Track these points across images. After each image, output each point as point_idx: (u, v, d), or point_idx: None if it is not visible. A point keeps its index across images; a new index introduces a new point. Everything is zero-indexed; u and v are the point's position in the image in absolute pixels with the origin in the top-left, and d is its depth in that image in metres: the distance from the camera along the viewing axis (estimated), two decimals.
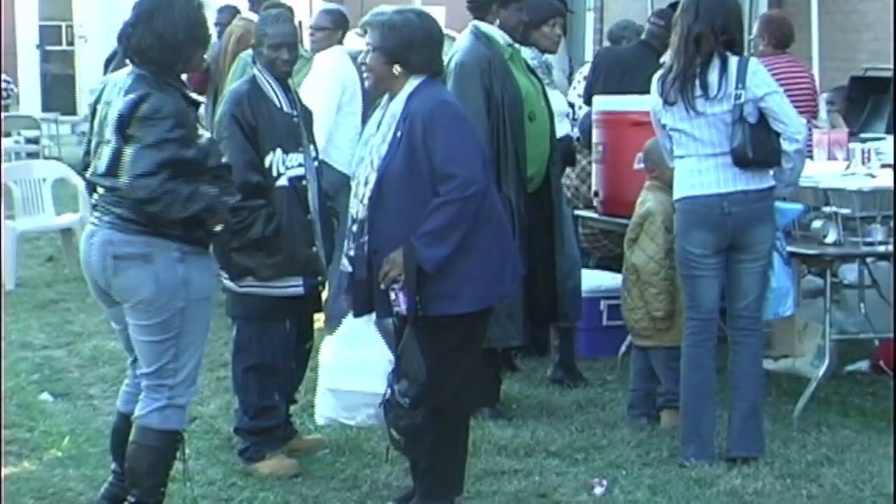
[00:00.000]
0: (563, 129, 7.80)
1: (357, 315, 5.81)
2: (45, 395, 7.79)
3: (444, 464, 5.80)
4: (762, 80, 6.52)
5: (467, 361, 5.74)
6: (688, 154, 6.57)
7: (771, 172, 6.59)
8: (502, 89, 7.00)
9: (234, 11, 11.11)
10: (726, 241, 6.53)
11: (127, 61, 5.55)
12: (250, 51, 8.79)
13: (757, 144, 6.44)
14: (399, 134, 5.58)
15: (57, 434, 7.05)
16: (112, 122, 5.36)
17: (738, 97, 6.44)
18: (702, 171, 6.53)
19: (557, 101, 7.83)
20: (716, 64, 6.48)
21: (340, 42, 9.25)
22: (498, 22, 7.19)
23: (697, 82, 6.48)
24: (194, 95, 5.67)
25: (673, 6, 7.98)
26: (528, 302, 7.04)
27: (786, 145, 6.48)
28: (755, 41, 9.32)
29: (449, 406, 5.70)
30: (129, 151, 5.28)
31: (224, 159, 5.72)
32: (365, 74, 5.87)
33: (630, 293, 7.25)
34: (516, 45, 7.34)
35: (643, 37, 10.06)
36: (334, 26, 9.17)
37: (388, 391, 5.64)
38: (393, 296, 5.54)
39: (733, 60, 6.50)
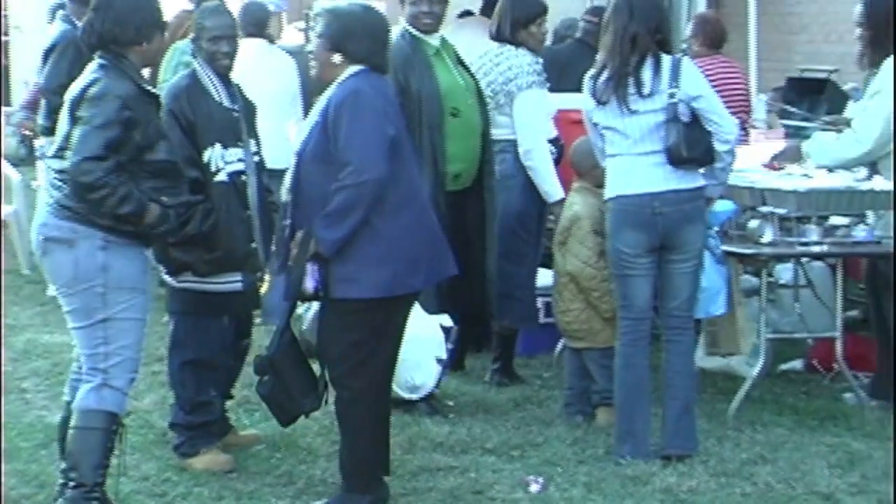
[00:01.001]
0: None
1: (286, 298, 5.91)
2: None
3: (363, 456, 5.86)
4: (695, 81, 6.54)
5: (382, 350, 5.79)
6: (619, 153, 6.58)
7: (701, 171, 6.61)
8: (420, 85, 6.99)
9: None
10: (658, 241, 6.55)
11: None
12: (184, 41, 8.78)
13: (691, 143, 6.47)
14: (319, 119, 5.70)
15: None
16: (65, 106, 5.57)
17: (671, 96, 6.47)
18: (633, 170, 6.54)
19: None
20: (649, 63, 6.50)
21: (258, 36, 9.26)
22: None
23: (632, 80, 6.49)
24: (152, 89, 5.76)
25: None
26: (446, 295, 7.04)
27: (718, 145, 6.51)
28: (689, 41, 9.36)
29: (365, 395, 5.76)
30: (77, 132, 5.46)
31: (171, 156, 5.80)
32: (311, 61, 5.96)
33: (562, 297, 7.24)
34: (447, 42, 7.37)
35: (578, 35, 10.09)
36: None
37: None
38: (297, 274, 5.66)
39: (666, 60, 6.52)
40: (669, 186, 6.50)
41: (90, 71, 5.62)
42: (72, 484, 5.61)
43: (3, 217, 11.45)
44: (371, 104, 5.70)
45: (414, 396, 7.05)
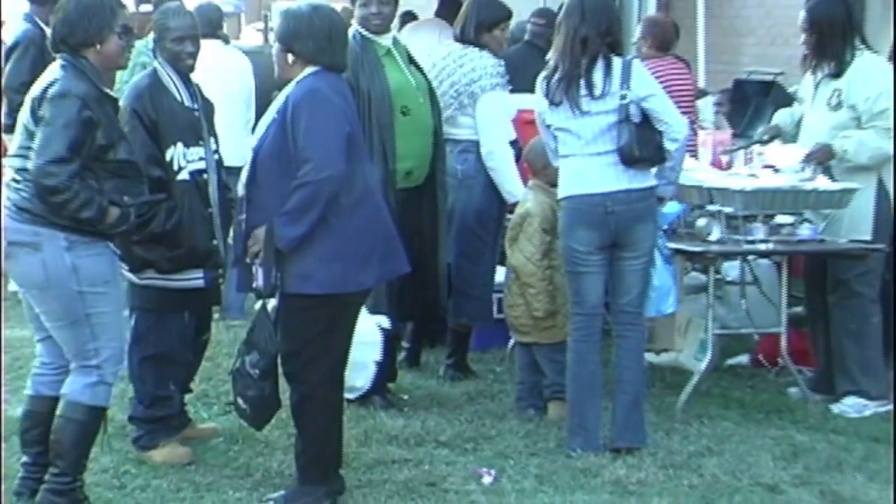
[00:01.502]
0: None
1: (239, 290, 6.00)
2: None
3: (318, 448, 5.87)
4: (645, 82, 6.58)
5: (336, 346, 5.81)
6: (572, 153, 6.61)
7: (653, 172, 6.65)
8: (369, 84, 7.02)
9: None
10: (609, 239, 6.58)
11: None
12: (141, 42, 8.75)
13: (643, 143, 6.50)
14: (276, 117, 5.73)
15: None
16: (26, 106, 5.57)
17: (623, 97, 6.50)
18: (586, 170, 6.57)
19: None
20: (600, 65, 6.53)
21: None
22: None
23: (583, 82, 6.52)
24: (110, 92, 5.75)
25: (559, 9, 8.03)
26: (397, 293, 7.06)
27: (668, 143, 6.55)
28: (639, 43, 9.41)
29: (318, 389, 5.78)
30: (39, 133, 5.45)
31: (132, 156, 5.79)
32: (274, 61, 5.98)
33: (510, 291, 7.28)
34: (399, 42, 7.40)
35: (527, 37, 10.11)
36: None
37: (239, 362, 5.78)
38: (254, 271, 5.68)
39: (617, 62, 6.56)
40: (621, 186, 6.53)
41: (51, 71, 5.63)
42: (55, 472, 5.65)
43: None
44: (329, 103, 5.72)
45: (350, 396, 6.99)
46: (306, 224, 5.61)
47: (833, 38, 7.40)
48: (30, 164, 5.43)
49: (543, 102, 6.65)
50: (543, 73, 6.69)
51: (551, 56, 6.69)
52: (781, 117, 7.97)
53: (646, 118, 6.53)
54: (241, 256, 5.79)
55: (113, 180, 5.60)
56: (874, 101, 7.30)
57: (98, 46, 5.62)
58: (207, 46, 9.03)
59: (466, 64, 7.66)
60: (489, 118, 7.60)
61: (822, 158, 7.54)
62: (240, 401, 5.86)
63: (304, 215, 5.61)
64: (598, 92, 6.50)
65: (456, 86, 7.61)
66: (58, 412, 5.70)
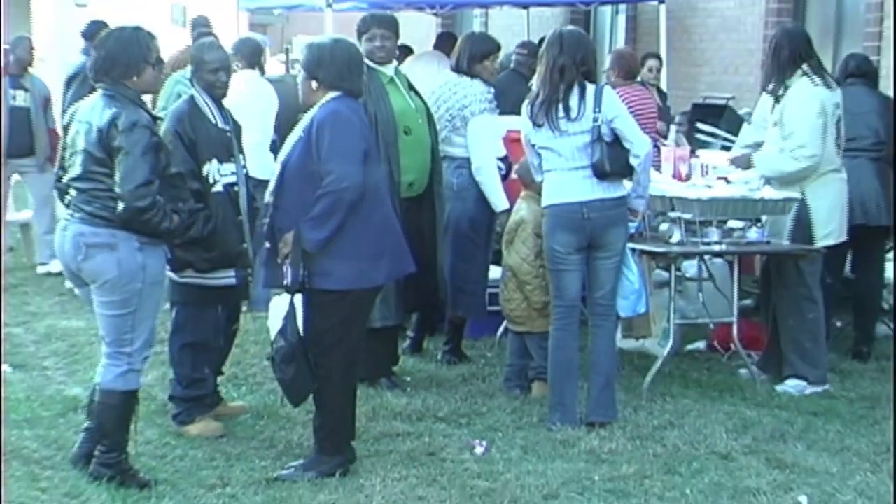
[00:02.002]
0: None
1: (265, 286, 6.00)
2: (5, 367, 7.64)
3: (334, 423, 5.86)
4: (613, 105, 6.56)
5: (351, 336, 5.80)
6: (554, 168, 6.60)
7: (628, 183, 6.63)
8: (376, 108, 7.00)
9: (102, 25, 10.88)
10: (586, 241, 6.57)
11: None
12: (179, 72, 8.76)
13: (613, 159, 6.49)
14: (303, 135, 5.72)
15: (14, 400, 6.92)
16: (89, 136, 5.54)
17: (595, 119, 6.48)
18: (566, 182, 6.56)
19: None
20: (576, 91, 6.52)
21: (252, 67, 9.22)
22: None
23: (561, 106, 6.51)
24: (155, 114, 5.78)
25: (541, 41, 8.02)
26: (403, 289, 7.04)
27: (632, 160, 6.53)
28: (608, 73, 9.41)
29: (336, 372, 5.76)
30: (122, 163, 5.46)
31: (178, 169, 5.90)
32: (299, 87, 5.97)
33: (507, 287, 7.25)
34: (400, 71, 7.40)
35: (512, 65, 10.12)
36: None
37: (273, 350, 5.77)
38: (284, 269, 5.68)
39: (591, 88, 6.54)
40: (596, 196, 6.52)
41: (99, 101, 5.59)
42: (103, 449, 5.68)
43: (18, 219, 11.37)
44: (349, 122, 5.71)
45: None
46: (329, 228, 5.60)
47: (780, 64, 7.39)
48: (118, 189, 5.44)
49: (528, 124, 6.63)
50: (527, 99, 6.67)
51: (534, 83, 6.67)
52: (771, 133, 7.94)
53: (616, 137, 6.51)
54: (268, 255, 5.78)
55: (169, 191, 5.66)
56: (786, 125, 7.29)
57: (135, 78, 5.61)
58: (246, 75, 9.10)
59: (459, 91, 7.64)
60: (478, 138, 7.58)
61: (742, 165, 7.59)
62: (278, 384, 5.88)
63: (328, 221, 5.60)
64: (573, 115, 6.49)
65: (450, 110, 7.60)
66: (97, 399, 5.72)
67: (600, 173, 6.48)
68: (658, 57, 12.20)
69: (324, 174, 5.61)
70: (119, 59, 5.59)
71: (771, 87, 7.43)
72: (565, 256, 6.58)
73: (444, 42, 11.83)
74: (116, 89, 5.59)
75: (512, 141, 7.62)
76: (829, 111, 7.32)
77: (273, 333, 5.77)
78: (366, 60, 7.09)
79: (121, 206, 5.46)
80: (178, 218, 5.65)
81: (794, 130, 7.24)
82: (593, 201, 6.51)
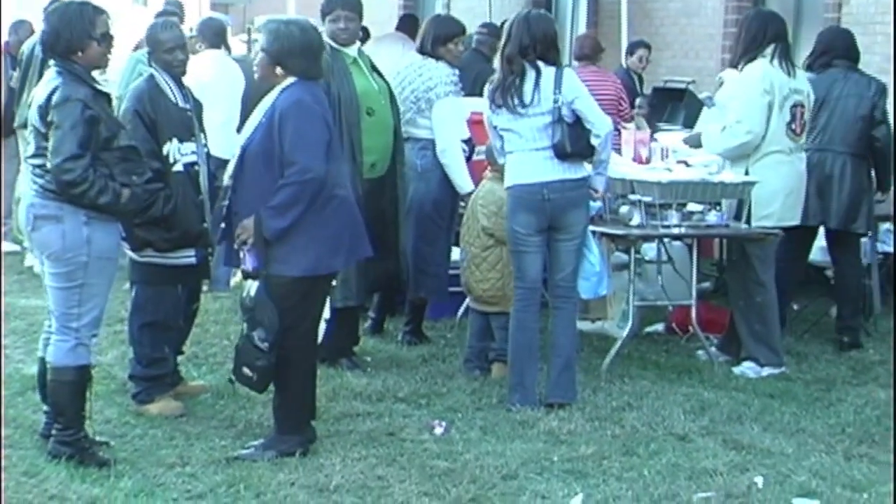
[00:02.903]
0: None
1: (226, 263, 6.05)
2: None
3: (293, 403, 5.86)
4: (573, 87, 6.57)
5: (307, 320, 5.80)
6: (516, 150, 6.61)
7: (589, 166, 6.64)
8: (339, 88, 6.99)
9: (28, 26, 10.90)
10: (546, 223, 6.57)
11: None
12: (139, 52, 8.72)
13: (573, 140, 6.50)
14: (263, 120, 5.70)
15: None
16: (36, 113, 5.56)
17: (556, 101, 6.49)
18: (527, 163, 6.57)
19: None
20: (530, 76, 6.52)
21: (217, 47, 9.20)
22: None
23: (515, 90, 6.51)
24: (103, 88, 5.70)
25: (503, 23, 8.00)
26: (364, 270, 7.03)
27: (593, 140, 6.55)
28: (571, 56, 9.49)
29: (294, 353, 5.76)
30: (52, 136, 5.45)
31: (132, 141, 5.82)
32: (254, 68, 5.92)
33: (479, 268, 7.18)
34: (364, 52, 7.37)
35: (473, 45, 10.12)
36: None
37: (244, 338, 5.73)
38: (242, 255, 5.69)
39: (549, 70, 6.53)
40: (556, 176, 6.53)
41: (49, 78, 5.59)
42: (59, 427, 5.66)
43: None
44: (312, 112, 5.69)
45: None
46: (290, 218, 5.61)
47: (742, 45, 7.45)
48: (50, 166, 5.43)
49: (490, 107, 6.64)
50: (489, 84, 6.67)
51: (496, 65, 6.68)
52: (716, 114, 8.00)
53: (578, 118, 6.52)
54: (223, 234, 5.81)
55: (120, 164, 5.60)
56: (729, 100, 7.35)
57: (80, 53, 5.57)
58: (212, 55, 9.05)
59: (424, 73, 7.62)
60: (443, 121, 7.57)
61: (693, 143, 7.67)
62: (245, 370, 5.76)
63: (289, 210, 5.60)
64: (527, 100, 6.50)
65: (415, 92, 7.58)
66: (49, 377, 5.69)
67: (561, 154, 6.49)
68: (647, 46, 12.25)
69: (287, 164, 5.60)
70: (62, 34, 5.56)
71: (737, 67, 7.49)
72: (526, 237, 6.59)
73: (407, 24, 11.81)
74: (64, 65, 5.56)
75: (475, 123, 7.63)
76: (780, 92, 7.33)
77: None
78: (329, 41, 7.12)
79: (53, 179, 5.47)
80: (128, 192, 5.57)
81: (734, 106, 7.30)
82: (553, 182, 6.52)
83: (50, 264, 5.58)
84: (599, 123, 6.55)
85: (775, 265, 7.53)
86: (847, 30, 8.54)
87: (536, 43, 6.54)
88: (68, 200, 5.48)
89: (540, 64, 6.53)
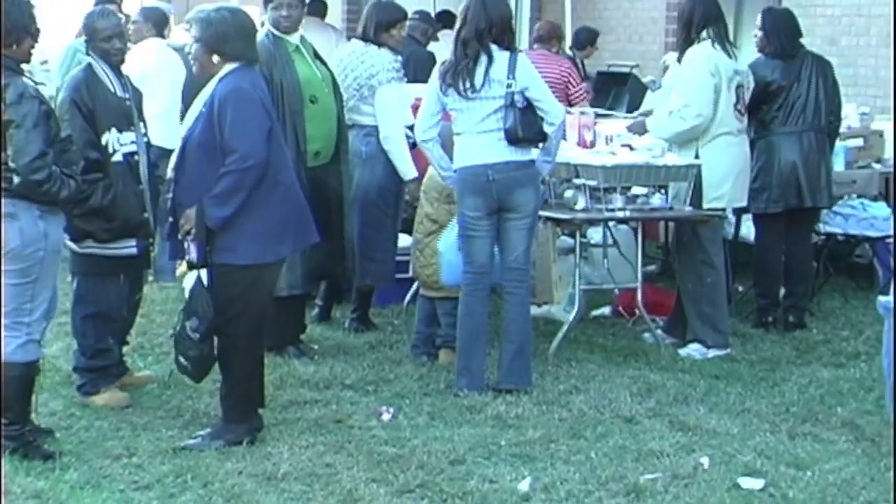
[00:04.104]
0: None
1: (172, 258, 5.99)
2: None
3: (240, 391, 5.85)
4: (527, 73, 6.58)
5: (253, 308, 5.78)
6: (464, 131, 6.62)
7: (538, 151, 6.65)
8: (282, 76, 6.96)
9: None
10: (495, 205, 6.58)
11: None
12: (77, 40, 8.65)
13: (525, 126, 6.52)
14: (204, 110, 5.67)
15: None
16: None
17: (509, 86, 6.50)
18: (474, 145, 6.58)
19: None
20: (482, 60, 6.52)
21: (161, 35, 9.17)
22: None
23: (466, 74, 6.52)
24: (35, 79, 5.68)
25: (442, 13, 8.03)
26: (310, 258, 7.02)
27: (546, 127, 6.57)
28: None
29: (241, 340, 5.75)
30: (15, 135, 5.36)
31: (65, 133, 5.78)
32: (192, 61, 5.89)
33: (423, 253, 7.17)
34: (306, 40, 7.31)
35: (406, 31, 10.13)
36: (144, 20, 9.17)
37: (179, 326, 5.72)
38: (186, 245, 5.66)
39: (502, 55, 6.54)
40: (502, 158, 6.54)
41: None
42: (5, 422, 5.59)
43: None
44: (251, 99, 5.67)
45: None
46: (233, 206, 5.59)
47: (681, 30, 7.50)
48: (18, 166, 5.35)
49: (441, 87, 6.61)
50: (443, 65, 6.67)
51: (451, 48, 6.67)
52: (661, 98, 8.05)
53: (530, 104, 6.54)
54: (171, 229, 5.75)
55: (62, 156, 5.56)
56: (676, 85, 7.39)
57: (14, 47, 5.50)
58: (153, 43, 9.00)
59: (367, 60, 7.59)
60: (386, 108, 7.55)
61: (638, 130, 7.72)
62: (181, 359, 5.78)
63: (231, 199, 5.58)
64: (478, 85, 6.50)
65: (358, 79, 7.55)
66: None
67: (513, 139, 6.51)
68: (595, 39, 12.30)
69: (227, 152, 5.58)
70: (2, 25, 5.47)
71: (679, 52, 7.53)
72: (475, 221, 6.59)
73: (316, 8, 11.56)
74: (4, 60, 5.46)
75: (414, 108, 7.61)
76: (725, 74, 7.39)
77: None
78: (271, 28, 7.10)
79: (16, 179, 5.37)
80: (74, 183, 5.56)
81: (682, 90, 7.34)
82: (498, 164, 6.53)
83: (8, 262, 5.48)
84: (553, 112, 6.58)
85: (775, 252, 7.85)
86: (789, 10, 8.59)
87: (492, 26, 6.55)
88: (22, 196, 5.40)
89: (493, 48, 6.53)
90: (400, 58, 7.73)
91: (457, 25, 6.61)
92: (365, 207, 7.59)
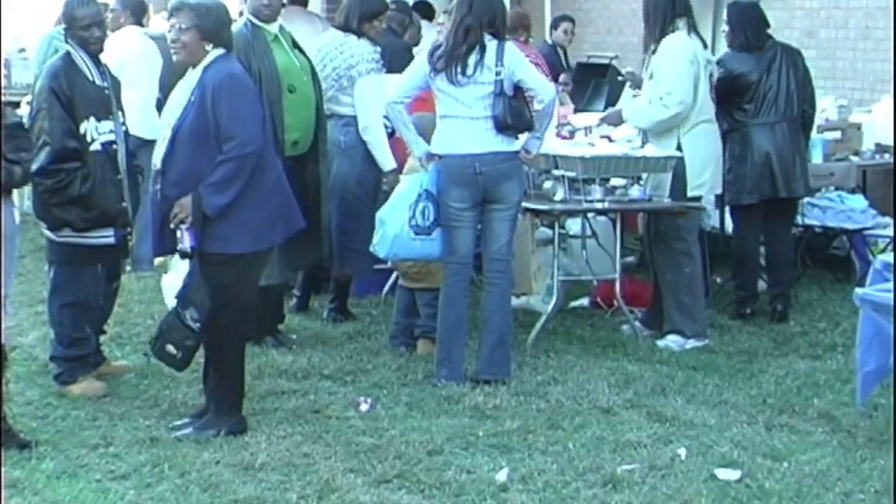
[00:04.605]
0: None
1: (157, 253, 5.96)
2: None
3: (231, 381, 5.85)
4: (516, 59, 6.61)
5: (244, 295, 5.77)
6: (451, 115, 6.61)
7: (519, 142, 6.65)
8: (260, 65, 6.94)
9: None
10: (480, 196, 6.59)
11: None
12: (54, 29, 8.61)
13: (514, 114, 6.54)
14: (193, 99, 5.60)
15: None
16: None
17: (498, 73, 6.52)
18: (461, 131, 6.58)
19: None
20: (477, 49, 6.54)
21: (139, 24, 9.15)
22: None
23: (459, 63, 6.53)
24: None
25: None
26: (288, 248, 7.01)
27: (537, 105, 6.61)
28: None
29: (231, 329, 5.74)
30: None
31: (17, 118, 5.75)
32: (175, 49, 5.75)
33: None
34: (285, 29, 7.27)
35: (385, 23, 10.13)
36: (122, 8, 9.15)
37: (173, 315, 5.67)
38: (179, 234, 5.60)
39: (492, 44, 6.56)
40: (489, 148, 6.55)
41: None
42: None
43: None
44: (246, 86, 5.68)
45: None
46: (231, 194, 5.56)
47: (655, 21, 7.49)
48: None
49: (429, 69, 6.60)
50: (431, 47, 6.68)
51: (441, 36, 6.68)
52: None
53: (517, 92, 6.54)
54: (159, 222, 5.68)
55: (9, 142, 5.51)
56: (656, 74, 7.40)
57: None
58: (131, 32, 8.96)
59: (346, 51, 7.58)
60: (365, 98, 7.53)
61: (613, 121, 7.73)
62: (170, 347, 5.70)
63: (230, 186, 5.55)
64: (469, 72, 6.52)
65: (337, 70, 7.53)
66: None
67: (501, 126, 6.53)
68: (571, 19, 12.29)
69: (225, 140, 5.54)
70: None
71: (651, 43, 7.53)
72: (459, 213, 6.60)
73: None
74: None
75: None
76: (703, 63, 7.43)
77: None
78: (250, 17, 7.08)
79: None
80: (20, 169, 5.51)
81: (663, 78, 7.35)
82: (485, 154, 6.54)
83: None
84: (542, 89, 6.62)
85: (752, 244, 7.95)
86: (756, 3, 8.59)
87: (496, 18, 6.60)
88: None
89: (486, 37, 6.56)
90: (379, 49, 7.72)
91: (458, 12, 6.58)
92: (344, 198, 7.58)
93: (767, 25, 8.16)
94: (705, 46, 7.55)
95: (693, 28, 7.48)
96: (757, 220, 8.16)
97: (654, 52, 7.48)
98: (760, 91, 7.97)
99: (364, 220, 7.68)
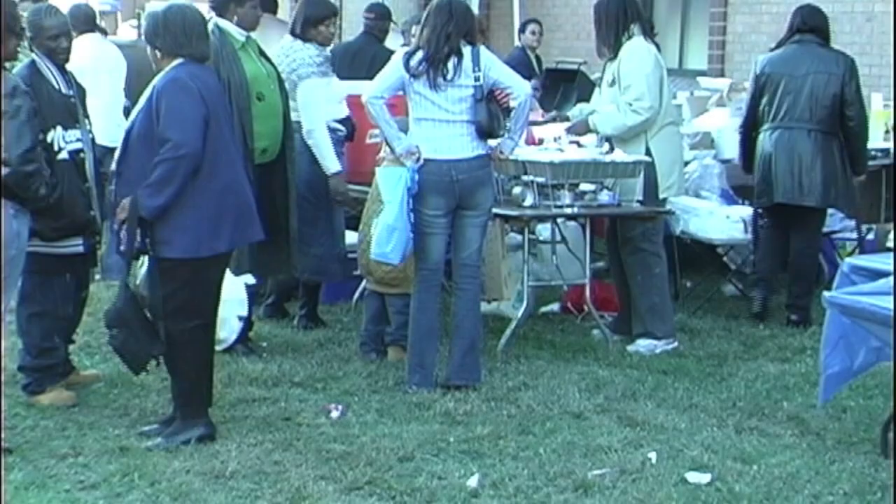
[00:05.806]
0: None
1: (117, 252, 5.87)
2: None
3: (189, 389, 5.84)
4: (490, 61, 6.66)
5: (199, 301, 5.77)
6: (427, 118, 6.62)
7: (498, 140, 6.69)
8: (229, 73, 6.93)
9: None
10: (455, 203, 6.61)
11: None
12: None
13: (491, 119, 6.58)
14: (145, 103, 5.68)
15: None
16: None
17: (477, 79, 6.55)
18: (435, 136, 6.59)
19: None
20: (455, 55, 6.56)
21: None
22: (235, 18, 7.12)
23: (439, 68, 6.55)
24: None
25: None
26: (257, 255, 7.00)
27: (512, 102, 6.64)
28: None
29: (183, 337, 5.73)
30: (8, 127, 5.37)
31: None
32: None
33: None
34: (251, 37, 7.26)
35: (363, 29, 10.14)
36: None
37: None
38: (121, 235, 5.65)
39: (467, 50, 6.59)
40: (465, 154, 6.58)
41: None
42: None
43: None
44: (186, 88, 5.65)
45: (217, 348, 6.76)
46: (166, 196, 5.57)
47: (609, 28, 7.51)
48: (10, 159, 5.38)
49: (405, 73, 6.59)
50: (407, 50, 6.69)
51: (417, 39, 6.68)
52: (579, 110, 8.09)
53: (491, 96, 6.59)
54: (118, 224, 5.72)
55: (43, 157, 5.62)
56: (623, 80, 7.42)
57: (6, 48, 5.53)
58: (88, 39, 8.93)
59: (290, 55, 7.57)
60: (307, 102, 7.47)
61: (580, 131, 7.75)
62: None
63: (165, 188, 5.56)
64: (448, 77, 6.54)
65: (282, 74, 7.52)
66: None
67: (485, 132, 6.57)
68: (538, 22, 12.32)
69: (161, 142, 5.57)
70: None
71: (606, 49, 7.55)
72: (434, 220, 6.61)
73: (266, 4, 11.51)
74: None
75: (359, 105, 7.57)
76: (664, 66, 7.50)
77: None
78: (220, 24, 7.04)
79: (5, 170, 5.36)
80: (47, 185, 5.63)
81: (631, 83, 7.37)
82: (461, 161, 6.56)
83: None
84: (517, 87, 6.65)
85: (770, 245, 8.08)
86: (818, 6, 8.50)
87: (473, 26, 6.66)
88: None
89: (462, 43, 6.60)
90: (327, 52, 7.70)
91: (438, 19, 6.57)
92: (296, 202, 7.54)
93: (811, 28, 8.12)
94: (659, 50, 7.59)
95: (647, 32, 7.52)
96: (776, 224, 8.18)
97: (612, 58, 7.50)
98: (786, 95, 7.99)
99: (319, 223, 7.65)
